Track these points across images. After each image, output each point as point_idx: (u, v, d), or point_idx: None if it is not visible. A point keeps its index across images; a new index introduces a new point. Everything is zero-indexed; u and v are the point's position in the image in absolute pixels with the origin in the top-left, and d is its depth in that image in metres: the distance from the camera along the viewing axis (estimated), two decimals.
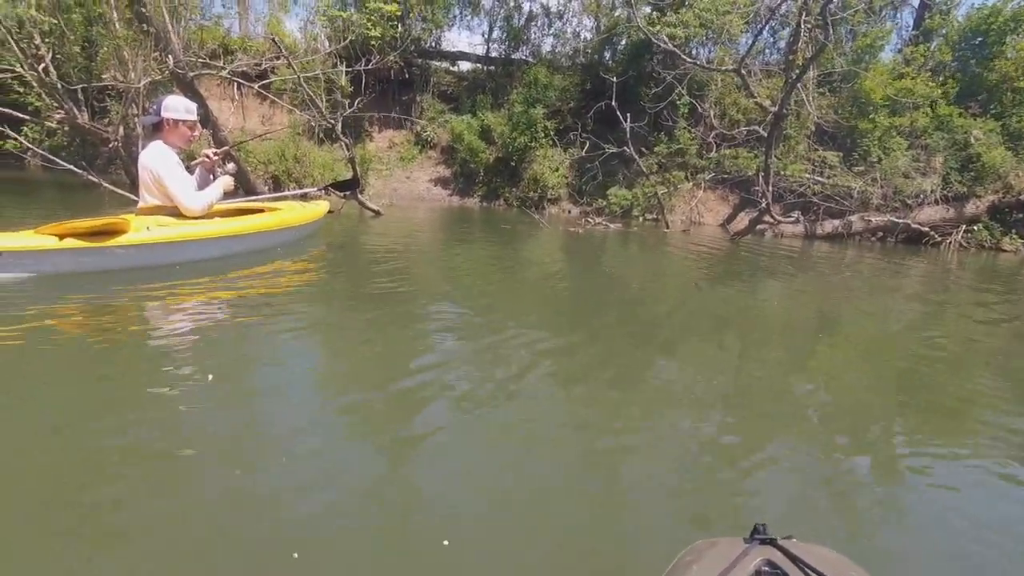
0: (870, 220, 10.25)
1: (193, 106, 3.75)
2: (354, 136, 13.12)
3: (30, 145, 7.21)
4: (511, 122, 12.65)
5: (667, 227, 10.53)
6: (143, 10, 6.57)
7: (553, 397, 2.18)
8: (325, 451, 1.58)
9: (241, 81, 10.02)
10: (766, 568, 0.76)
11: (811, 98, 10.85)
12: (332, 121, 7.79)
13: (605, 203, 11.79)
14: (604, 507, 1.53)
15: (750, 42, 10.89)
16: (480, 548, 1.28)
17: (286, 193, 8.16)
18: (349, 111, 9.30)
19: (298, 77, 7.83)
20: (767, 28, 12.72)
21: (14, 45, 6.96)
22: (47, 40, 7.63)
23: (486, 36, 15.30)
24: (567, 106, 13.46)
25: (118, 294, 3.02)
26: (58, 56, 7.94)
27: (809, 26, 8.71)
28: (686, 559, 0.82)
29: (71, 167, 6.54)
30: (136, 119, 8.57)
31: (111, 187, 6.71)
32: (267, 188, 10.39)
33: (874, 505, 1.60)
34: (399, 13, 12.93)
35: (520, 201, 12.61)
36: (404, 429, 1.80)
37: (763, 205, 8.96)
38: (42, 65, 7.29)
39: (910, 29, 13.22)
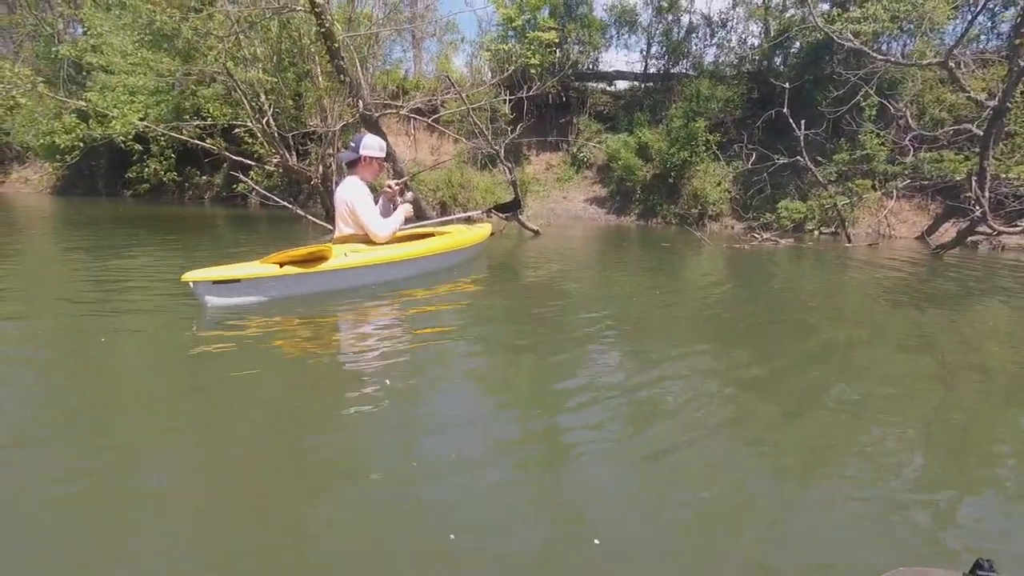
0: None
1: (385, 144, 4.28)
2: (514, 160, 13.83)
3: (255, 186, 8.74)
4: (669, 137, 12.37)
5: (848, 241, 9.42)
6: (341, 63, 7.68)
7: (719, 422, 2.10)
8: (489, 469, 1.69)
9: (416, 116, 11.16)
10: None
11: None
12: (496, 148, 8.33)
13: (774, 217, 10.92)
14: (793, 533, 1.45)
15: (960, 30, 9.37)
16: (620, 548, 1.32)
17: (453, 217, 8.89)
18: (511, 137, 9.86)
19: (467, 109, 8.51)
20: (984, 11, 10.86)
21: (246, 104, 8.55)
22: (269, 97, 9.20)
23: (644, 53, 15.20)
24: (732, 117, 12.80)
25: (326, 312, 3.52)
26: (276, 110, 9.51)
27: None
28: None
29: (284, 203, 7.82)
30: (331, 158, 9.99)
31: (313, 219, 7.88)
32: (435, 213, 11.37)
33: None
34: (557, 40, 13.46)
35: (679, 218, 12.22)
36: (564, 451, 1.84)
37: (977, 213, 7.60)
38: (265, 118, 8.83)
39: None
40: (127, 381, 2.39)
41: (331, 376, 2.46)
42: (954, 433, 2.06)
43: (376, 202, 4.40)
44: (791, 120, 9.79)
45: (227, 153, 9.12)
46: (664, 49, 14.71)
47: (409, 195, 5.00)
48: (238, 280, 3.37)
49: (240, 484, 1.58)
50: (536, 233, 8.87)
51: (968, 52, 10.79)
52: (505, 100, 11.30)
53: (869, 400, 2.31)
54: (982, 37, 12.02)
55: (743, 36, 14.45)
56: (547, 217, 12.78)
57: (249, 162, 9.47)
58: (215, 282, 3.31)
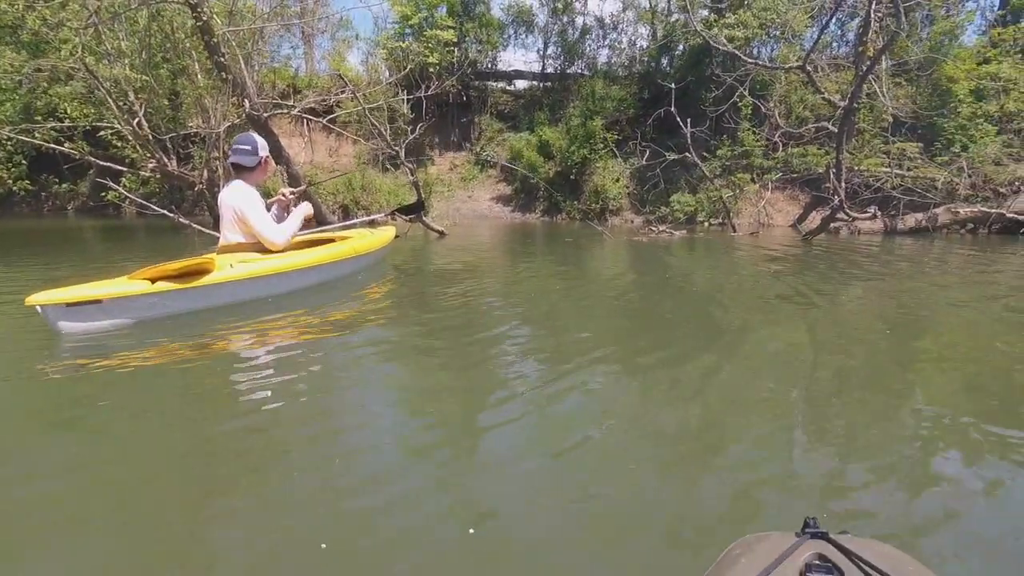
0: (958, 212, 9.54)
1: (264, 143, 3.85)
2: (416, 161, 13.63)
3: (128, 194, 7.91)
4: (569, 136, 12.76)
5: (734, 231, 10.23)
6: (222, 60, 7.16)
7: (616, 400, 2.24)
8: (405, 479, 1.67)
9: (310, 117, 10.67)
10: (816, 562, 0.73)
11: (885, 89, 10.27)
12: (396, 148, 8.15)
13: (668, 210, 11.61)
14: (654, 503, 1.56)
15: (815, 37, 10.47)
16: (533, 543, 1.38)
17: (355, 221, 8.58)
18: (411, 137, 9.69)
19: (363, 109, 8.25)
20: (834, 20, 12.20)
21: (112, 104, 7.71)
22: (139, 96, 8.34)
23: (541, 53, 15.56)
24: (625, 116, 13.43)
25: (209, 332, 3.10)
26: (148, 110, 8.64)
27: (880, 15, 8.29)
28: (734, 552, 0.80)
29: (164, 212, 7.16)
30: (217, 162, 9.29)
31: (199, 228, 7.29)
32: (336, 218, 10.95)
33: (944, 508, 1.53)
34: (455, 39, 13.43)
35: (582, 214, 12.64)
36: (476, 439, 1.90)
37: (835, 202, 8.54)
38: (136, 120, 8.02)
39: (995, 9, 12.30)
40: None
41: (216, 404, 2.20)
42: (812, 407, 2.29)
43: (269, 210, 4.04)
44: (678, 119, 10.45)
45: (91, 158, 8.17)
46: (560, 49, 15.15)
47: (304, 203, 4.66)
48: (98, 301, 2.91)
49: (118, 532, 1.41)
50: (442, 234, 8.79)
51: (823, 57, 12.08)
52: (404, 100, 11.09)
53: (750, 380, 2.51)
54: (834, 44, 13.51)
55: (632, 39, 15.25)
56: (453, 217, 12.72)
57: (120, 168, 8.54)
58: (69, 304, 2.83)
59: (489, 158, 14.49)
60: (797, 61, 9.73)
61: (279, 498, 1.53)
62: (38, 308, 2.79)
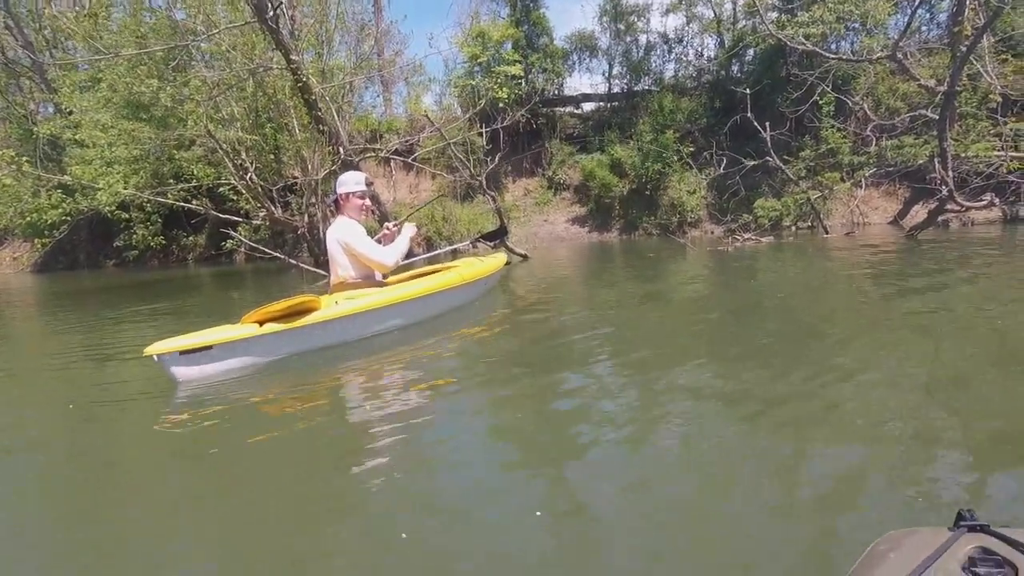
0: None
1: (361, 176, 3.89)
2: (493, 189, 14.11)
3: (246, 241, 8.79)
4: (641, 152, 12.75)
5: (826, 232, 9.72)
6: (319, 114, 7.90)
7: (720, 421, 2.14)
8: (501, 510, 1.66)
9: (395, 157, 11.40)
10: (979, 555, 0.68)
11: (990, 68, 9.49)
12: (478, 178, 8.54)
13: (751, 217, 11.23)
14: (791, 507, 1.54)
15: (903, 24, 9.92)
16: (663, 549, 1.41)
17: (438, 252, 9.00)
18: (491, 167, 10.10)
19: (447, 144, 8.75)
20: (922, 4, 11.49)
21: (229, 164, 8.68)
22: (250, 153, 9.31)
23: (606, 74, 15.72)
24: (698, 127, 13.24)
25: (316, 374, 3.09)
26: (258, 165, 9.60)
27: None
28: (880, 548, 0.75)
29: (275, 254, 7.90)
30: (315, 206, 10.14)
31: (305, 266, 7.95)
32: (422, 249, 11.50)
33: None
34: (522, 72, 13.92)
35: (660, 228, 12.51)
36: (575, 472, 1.87)
37: (944, 193, 7.93)
38: (248, 175, 8.97)
39: None
40: (96, 466, 2.19)
41: (325, 448, 2.18)
42: (938, 396, 2.18)
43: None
44: (755, 123, 10.18)
45: (213, 212, 9.22)
46: (625, 69, 15.25)
47: (412, 225, 4.60)
48: (209, 347, 2.98)
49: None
50: (525, 257, 9.03)
51: (913, 43, 11.35)
52: (480, 132, 11.59)
53: (862, 385, 2.41)
54: (923, 28, 12.68)
55: (699, 49, 15.10)
56: (531, 241, 12.98)
57: (236, 219, 9.55)
58: (183, 352, 2.92)
59: (562, 181, 14.73)
60: (884, 51, 9.23)
61: (377, 546, 1.52)
62: (155, 357, 2.89)
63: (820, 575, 1.26)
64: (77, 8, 11.74)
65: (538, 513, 1.57)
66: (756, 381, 2.52)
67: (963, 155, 9.30)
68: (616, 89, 15.60)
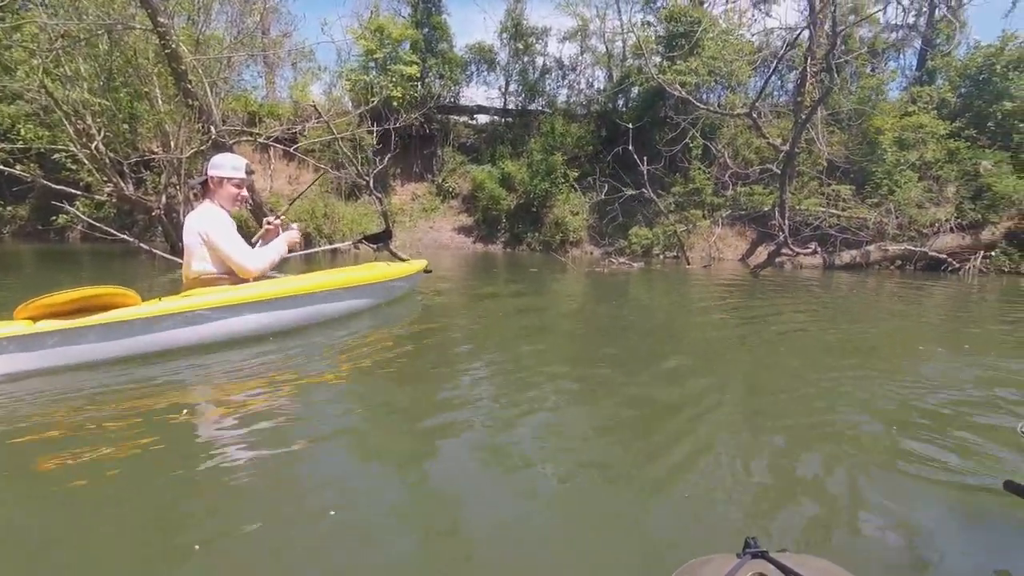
0: (887, 249, 10.36)
1: (241, 162, 3.32)
2: (380, 190, 13.69)
3: (84, 218, 7.57)
4: (531, 169, 13.18)
5: (688, 263, 10.73)
6: (188, 87, 7.11)
7: (564, 422, 2.34)
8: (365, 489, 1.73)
9: (276, 145, 10.60)
10: None
11: (821, 136, 11.17)
12: (366, 178, 8.23)
13: (626, 243, 12.07)
14: (598, 532, 1.60)
15: (759, 86, 11.32)
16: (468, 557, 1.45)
17: (316, 250, 8.54)
18: (379, 168, 9.79)
19: (336, 138, 8.33)
20: (775, 73, 13.22)
21: (69, 127, 7.44)
22: (97, 120, 8.04)
23: (503, 90, 16.06)
24: (584, 152, 13.97)
25: (105, 389, 2.39)
26: (107, 134, 8.35)
27: (814, 70, 9.09)
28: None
29: (124, 236, 6.94)
30: (177, 187, 9.10)
31: (161, 253, 7.07)
32: (298, 247, 10.78)
33: (881, 523, 1.66)
34: (419, 74, 13.74)
35: (543, 245, 12.96)
36: (432, 463, 1.97)
37: (780, 238, 9.15)
38: (94, 143, 7.74)
39: (914, 69, 13.64)
40: None
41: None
42: (753, 428, 2.49)
43: (255, 246, 3.59)
44: (635, 156, 11.00)
45: (44, 181, 7.86)
46: (521, 87, 15.70)
47: (295, 227, 3.87)
48: None
49: None
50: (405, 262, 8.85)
51: (766, 105, 13.01)
52: (373, 131, 11.21)
53: (690, 400, 2.64)
54: (775, 93, 14.59)
55: (590, 80, 15.99)
56: (415, 247, 12.79)
57: (74, 191, 8.23)
58: None
59: (451, 189, 14.72)
60: (743, 108, 10.47)
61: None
62: None
63: None
64: None
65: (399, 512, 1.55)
66: (602, 399, 2.70)
67: (797, 207, 10.80)
68: (511, 105, 15.99)
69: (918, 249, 10.15)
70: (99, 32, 6.97)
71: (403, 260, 8.84)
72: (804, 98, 9.87)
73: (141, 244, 6.82)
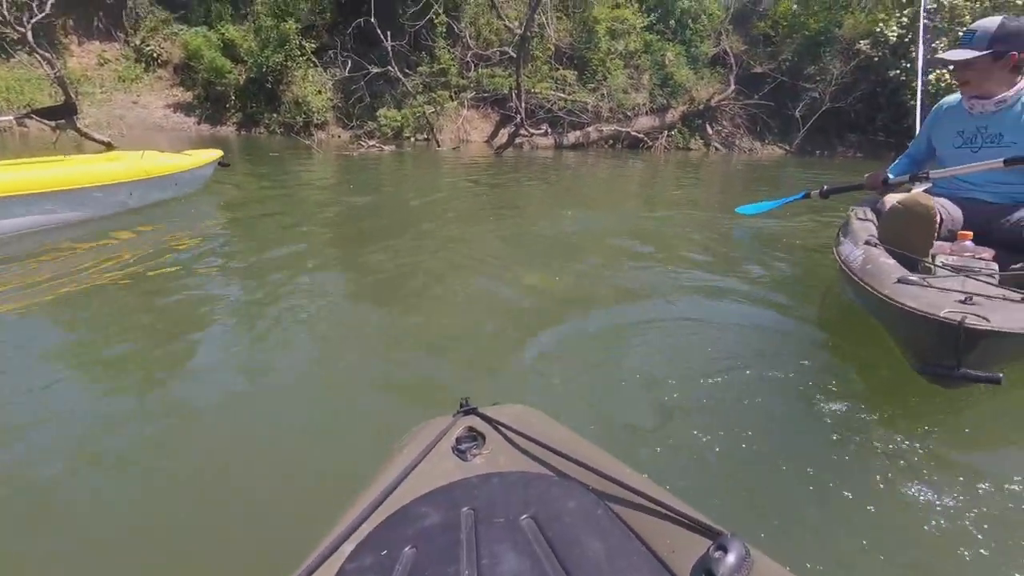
0: (602, 130, 12.18)
1: None
2: (48, 49, 10.44)
3: None
4: (260, 37, 11.43)
5: (438, 145, 11.02)
6: None
7: (329, 305, 2.47)
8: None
9: None
10: (465, 434, 0.82)
11: (550, 22, 12.03)
12: (22, 29, 6.22)
13: (376, 125, 11.70)
14: (332, 408, 1.71)
15: None
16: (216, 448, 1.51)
17: None
18: (38, 17, 7.40)
19: None
20: None
21: None
22: None
23: None
24: (322, 21, 12.57)
25: None
26: None
27: None
28: (405, 439, 0.86)
29: None
30: None
31: None
32: None
33: (578, 369, 1.91)
34: None
35: (284, 127, 11.75)
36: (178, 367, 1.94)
37: (517, 120, 9.99)
38: None
39: None
40: None
41: None
42: (490, 299, 3.02)
43: None
44: (379, 30, 10.37)
45: None
46: None
47: None
48: None
49: None
50: (108, 146, 7.25)
51: None
52: None
53: (438, 282, 2.96)
54: None
55: None
56: (116, 127, 10.42)
57: None
58: None
59: (155, 55, 12.01)
60: None
61: None
62: None
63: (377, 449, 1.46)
64: None
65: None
66: (364, 277, 2.90)
67: (532, 91, 11.74)
68: None
69: (624, 130, 12.14)
70: None
71: (103, 142, 7.21)
72: None
73: None
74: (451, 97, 12.39)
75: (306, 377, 1.85)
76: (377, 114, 11.80)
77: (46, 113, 6.09)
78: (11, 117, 6.26)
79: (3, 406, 1.59)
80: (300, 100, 11.67)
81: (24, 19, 6.46)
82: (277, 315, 2.28)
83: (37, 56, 6.67)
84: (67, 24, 11.54)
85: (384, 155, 9.27)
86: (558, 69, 12.33)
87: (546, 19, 11.83)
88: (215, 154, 4.47)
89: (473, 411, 0.86)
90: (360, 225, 4.08)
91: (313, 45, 11.91)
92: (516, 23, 11.44)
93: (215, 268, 2.88)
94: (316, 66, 12.17)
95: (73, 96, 7.13)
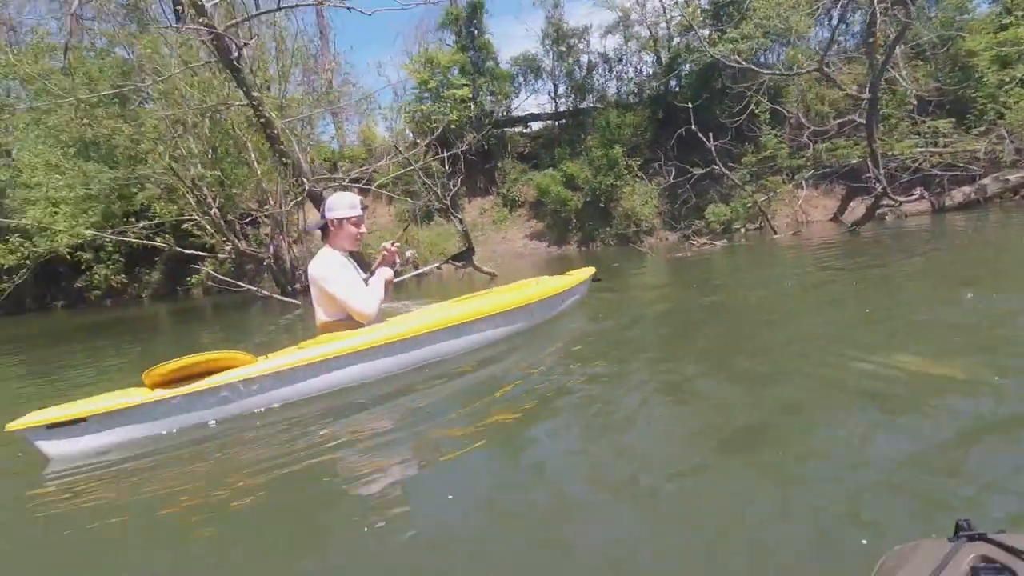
0: (1007, 179, 9.46)
1: (356, 199, 3.23)
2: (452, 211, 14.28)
3: (216, 275, 8.68)
4: (592, 166, 13.24)
5: (775, 232, 10.32)
6: (282, 147, 7.89)
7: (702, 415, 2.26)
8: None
9: (354, 184, 11.38)
10: (981, 564, 0.70)
11: (904, 73, 10.42)
12: (445, 202, 8.68)
13: (704, 223, 11.80)
14: (783, 523, 1.48)
15: (826, 37, 10.79)
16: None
17: (424, 269, 9.00)
18: (454, 190, 10.25)
19: (414, 168, 8.90)
20: (836, 15, 12.52)
21: (192, 199, 8.57)
22: (212, 189, 9.21)
23: (552, 94, 16.24)
24: (644, 140, 13.83)
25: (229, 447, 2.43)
26: (220, 200, 9.53)
27: (885, 6, 8.53)
28: (888, 564, 0.76)
29: (250, 287, 7.82)
30: (281, 237, 10.06)
31: (279, 297, 7.87)
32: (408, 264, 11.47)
33: None
34: (470, 95, 14.25)
35: (617, 238, 12.95)
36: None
37: (878, 189, 8.61)
38: (211, 210, 8.84)
39: None
40: None
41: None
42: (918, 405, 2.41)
43: (371, 274, 3.37)
44: (699, 134, 10.75)
45: (177, 248, 9.06)
46: (569, 88, 15.81)
47: (409, 253, 3.91)
48: (83, 419, 2.50)
49: None
50: (492, 276, 9.17)
51: (832, 53, 12.32)
52: (439, 155, 11.74)
53: (836, 380, 2.42)
54: (840, 39, 13.77)
55: (638, 67, 15.83)
56: (492, 259, 13.14)
57: (201, 254, 9.42)
58: (49, 426, 2.46)
59: (516, 198, 15.06)
60: (809, 63, 10.01)
61: None
62: (22, 432, 2.46)
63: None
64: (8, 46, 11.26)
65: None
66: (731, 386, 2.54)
67: (890, 153, 10.12)
68: (562, 108, 16.13)
69: None
70: (206, 114, 7.94)
71: (490, 273, 9.24)
72: (877, 38, 9.27)
73: (262, 291, 7.61)
74: (784, 180, 11.68)
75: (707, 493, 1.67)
76: (705, 212, 11.93)
77: (456, 257, 8.04)
78: (435, 265, 8.41)
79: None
80: (629, 212, 12.79)
81: (445, 195, 9.11)
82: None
83: (453, 218, 9.18)
84: (461, 190, 15.61)
85: (716, 251, 9.15)
86: (923, 121, 10.40)
87: (897, 72, 10.31)
88: (589, 271, 4.88)
89: (982, 537, 0.74)
90: (717, 327, 3.96)
91: (638, 161, 13.11)
92: (855, 87, 10.30)
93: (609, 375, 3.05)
94: (642, 179, 13.27)
95: (471, 242, 9.36)
